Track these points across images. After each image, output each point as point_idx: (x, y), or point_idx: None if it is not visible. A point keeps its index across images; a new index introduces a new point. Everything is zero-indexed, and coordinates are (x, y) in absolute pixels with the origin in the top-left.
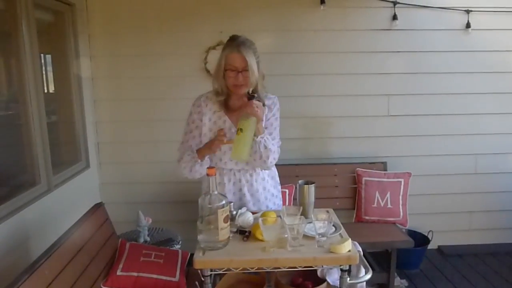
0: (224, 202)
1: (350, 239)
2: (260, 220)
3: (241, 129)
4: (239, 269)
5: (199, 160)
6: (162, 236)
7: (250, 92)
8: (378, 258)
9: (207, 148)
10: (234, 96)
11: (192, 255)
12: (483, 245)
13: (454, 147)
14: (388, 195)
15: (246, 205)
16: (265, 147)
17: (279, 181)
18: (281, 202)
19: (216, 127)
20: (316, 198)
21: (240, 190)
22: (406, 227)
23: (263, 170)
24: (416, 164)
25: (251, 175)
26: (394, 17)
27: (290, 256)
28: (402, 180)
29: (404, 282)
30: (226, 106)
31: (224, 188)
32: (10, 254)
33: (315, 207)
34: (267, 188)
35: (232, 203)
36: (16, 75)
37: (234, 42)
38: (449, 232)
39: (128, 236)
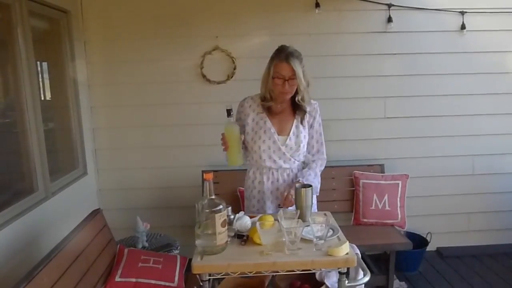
0: (221, 206)
1: (347, 242)
2: (257, 224)
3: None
4: (237, 273)
5: None
6: (161, 241)
7: (300, 99)
8: (376, 260)
9: None
10: (277, 101)
11: (190, 260)
12: (481, 246)
13: (451, 149)
14: (386, 197)
15: None
16: (313, 182)
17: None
18: (315, 204)
19: (258, 127)
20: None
21: (278, 189)
22: (405, 229)
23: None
24: (413, 166)
25: (288, 175)
26: (389, 20)
27: (288, 260)
28: (400, 182)
29: (403, 284)
30: (268, 109)
31: (263, 186)
32: (8, 261)
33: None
34: None
35: (229, 208)
36: (12, 83)
37: (283, 52)
38: (447, 234)
39: (127, 242)
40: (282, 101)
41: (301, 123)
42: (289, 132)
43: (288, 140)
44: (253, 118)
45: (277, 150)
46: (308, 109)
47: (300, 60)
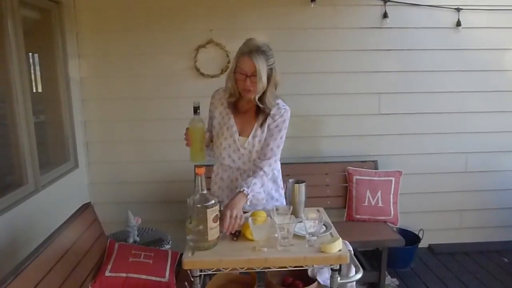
0: (213, 201)
1: (340, 238)
2: (250, 219)
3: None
4: (229, 269)
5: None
6: (152, 236)
7: (257, 98)
8: (369, 257)
9: None
10: (244, 98)
11: (182, 255)
12: (473, 243)
13: (445, 146)
14: (379, 193)
15: None
16: (259, 193)
17: (282, 185)
18: None
19: (223, 122)
20: (307, 197)
21: (237, 188)
22: (397, 226)
23: None
24: (407, 163)
25: (248, 176)
26: (385, 15)
27: (280, 256)
28: (393, 178)
29: (395, 281)
30: (235, 106)
31: (223, 183)
32: None
33: (306, 206)
34: (266, 190)
35: (221, 203)
36: (2, 75)
37: (247, 46)
38: (439, 231)
39: (117, 237)
40: (248, 98)
41: (261, 126)
42: (249, 134)
43: (246, 143)
44: (220, 112)
45: (236, 150)
46: (272, 112)
47: (266, 56)
